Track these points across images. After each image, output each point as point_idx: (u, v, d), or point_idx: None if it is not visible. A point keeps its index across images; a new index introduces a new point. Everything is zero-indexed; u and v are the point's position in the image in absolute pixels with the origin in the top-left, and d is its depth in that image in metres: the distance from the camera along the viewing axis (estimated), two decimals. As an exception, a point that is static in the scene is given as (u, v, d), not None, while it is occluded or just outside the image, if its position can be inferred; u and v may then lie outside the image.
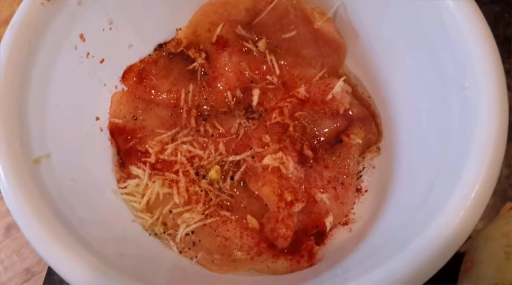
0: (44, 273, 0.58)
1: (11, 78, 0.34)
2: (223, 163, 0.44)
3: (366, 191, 0.44)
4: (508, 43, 0.52)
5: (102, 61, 0.44)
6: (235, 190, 0.43)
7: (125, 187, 0.43)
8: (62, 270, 0.29)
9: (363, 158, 0.46)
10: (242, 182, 0.44)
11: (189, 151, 0.44)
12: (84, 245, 0.30)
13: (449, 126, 0.34)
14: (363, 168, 0.46)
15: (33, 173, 0.32)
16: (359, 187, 0.45)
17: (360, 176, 0.45)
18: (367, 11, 0.43)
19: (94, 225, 0.35)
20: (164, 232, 0.42)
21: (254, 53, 0.48)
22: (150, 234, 0.42)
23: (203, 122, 0.46)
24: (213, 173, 0.43)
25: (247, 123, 0.46)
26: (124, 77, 0.47)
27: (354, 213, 0.43)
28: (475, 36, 0.33)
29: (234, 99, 0.47)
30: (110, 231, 0.38)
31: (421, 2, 0.36)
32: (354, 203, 0.44)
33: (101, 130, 0.45)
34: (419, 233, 0.29)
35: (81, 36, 0.40)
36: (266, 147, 0.43)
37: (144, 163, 0.44)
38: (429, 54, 0.37)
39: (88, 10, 0.40)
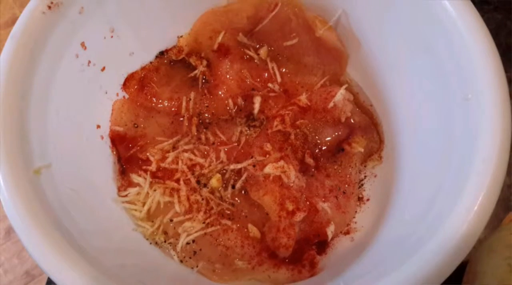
0: (45, 275, 0.57)
1: (12, 87, 0.33)
2: (224, 171, 0.44)
3: (368, 200, 0.44)
4: (510, 52, 0.52)
5: (103, 69, 0.44)
6: (236, 198, 0.43)
7: (126, 196, 0.43)
8: (61, 282, 0.29)
9: (365, 166, 0.46)
10: (243, 191, 0.43)
11: (190, 159, 0.44)
12: (84, 256, 0.30)
13: (452, 136, 0.34)
14: (365, 176, 0.45)
15: (33, 183, 0.32)
16: (360, 196, 0.44)
17: (362, 184, 0.45)
18: (369, 20, 0.43)
19: (94, 235, 0.35)
20: (165, 241, 0.42)
21: (256, 61, 0.48)
22: (150, 243, 0.42)
23: (204, 130, 0.46)
24: (214, 182, 0.43)
25: (248, 131, 0.46)
26: (125, 85, 0.47)
27: (355, 222, 0.43)
28: (477, 46, 0.33)
29: (236, 106, 0.47)
30: (111, 240, 0.38)
31: (423, 11, 0.36)
32: (356, 212, 0.44)
33: (102, 138, 0.45)
34: (423, 244, 0.29)
35: (82, 45, 0.40)
36: (267, 156, 0.43)
37: (145, 171, 0.44)
38: (431, 64, 0.37)
39: (89, 18, 0.40)
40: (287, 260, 0.41)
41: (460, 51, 0.33)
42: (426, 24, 0.36)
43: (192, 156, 0.44)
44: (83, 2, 0.38)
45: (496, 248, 0.33)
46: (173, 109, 0.47)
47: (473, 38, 0.33)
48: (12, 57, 0.34)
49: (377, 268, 0.32)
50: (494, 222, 0.44)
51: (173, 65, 0.49)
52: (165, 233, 0.42)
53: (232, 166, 0.44)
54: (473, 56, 0.33)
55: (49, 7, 0.36)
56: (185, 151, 0.45)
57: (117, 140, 0.45)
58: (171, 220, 0.42)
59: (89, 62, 0.42)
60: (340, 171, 0.44)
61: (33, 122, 0.35)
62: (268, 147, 0.43)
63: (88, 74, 0.42)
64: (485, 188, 0.29)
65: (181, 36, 0.49)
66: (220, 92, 0.47)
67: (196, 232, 0.42)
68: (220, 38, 0.47)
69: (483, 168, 0.30)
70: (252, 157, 0.43)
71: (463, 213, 0.29)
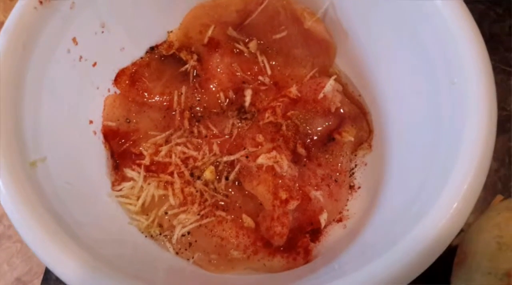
0: (36, 281, 0.57)
1: (6, 82, 0.34)
2: (217, 163, 0.44)
3: (359, 187, 0.45)
4: (493, 41, 0.53)
5: (94, 64, 0.44)
6: (230, 190, 0.44)
7: (120, 190, 0.43)
8: (61, 271, 0.29)
9: (355, 155, 0.46)
10: (237, 182, 0.44)
11: (184, 153, 0.45)
12: (82, 246, 0.30)
13: (440, 122, 0.34)
14: (355, 165, 0.46)
15: (30, 176, 0.32)
16: (352, 184, 0.45)
17: (353, 173, 0.46)
18: (356, 11, 0.44)
19: (91, 227, 0.35)
20: (160, 234, 0.42)
21: (245, 54, 0.49)
22: (146, 236, 0.42)
23: (197, 124, 0.47)
24: (208, 174, 0.43)
25: (240, 123, 0.46)
26: (117, 80, 0.47)
27: (347, 210, 0.44)
28: (462, 32, 0.33)
29: (227, 100, 0.48)
30: (107, 233, 0.38)
31: (408, 0, 0.37)
32: (348, 200, 0.44)
33: (95, 133, 0.45)
34: (412, 226, 0.30)
35: (74, 40, 0.41)
36: (259, 147, 0.44)
37: (139, 165, 0.44)
38: (418, 51, 0.37)
39: (80, 14, 0.40)
40: (281, 248, 0.41)
41: (445, 37, 0.34)
42: (412, 13, 0.37)
43: (185, 149, 0.45)
44: (74, -3, 0.39)
45: (485, 228, 0.34)
46: (165, 103, 0.48)
47: (458, 24, 0.34)
48: (5, 51, 0.34)
49: (369, 251, 0.33)
50: (483, 207, 0.45)
51: (164, 60, 0.49)
52: (160, 225, 0.42)
53: (225, 158, 0.44)
54: (458, 42, 0.33)
55: (41, 2, 0.36)
56: (178, 144, 0.45)
57: (110, 135, 0.46)
58: (166, 213, 0.43)
59: (81, 57, 0.42)
60: (331, 160, 0.45)
61: (27, 116, 0.35)
62: (260, 138, 0.44)
63: (79, 69, 0.42)
64: (473, 170, 0.30)
65: (171, 31, 0.49)
66: (211, 86, 0.48)
67: (191, 224, 0.42)
68: (210, 32, 0.48)
69: (470, 151, 0.30)
70: (244, 149, 0.44)
71: (451, 194, 0.29)
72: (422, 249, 0.28)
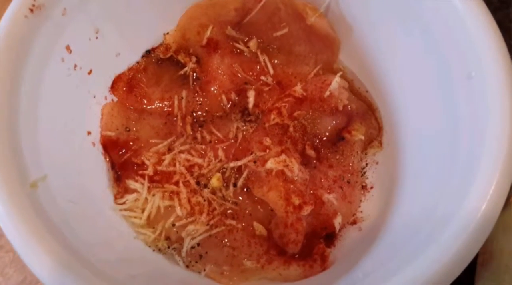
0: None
1: (0, 97, 0.31)
2: (224, 170, 0.43)
3: (371, 187, 0.43)
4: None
5: (90, 72, 0.42)
6: (239, 197, 0.42)
7: (124, 203, 0.41)
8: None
9: (366, 154, 0.45)
10: (245, 188, 0.42)
11: (188, 160, 0.43)
12: (92, 270, 0.29)
13: (458, 117, 0.33)
14: (366, 164, 0.45)
15: (31, 198, 0.30)
16: (364, 184, 0.44)
17: (364, 172, 0.44)
18: (360, 4, 0.42)
19: (98, 247, 0.33)
20: (168, 247, 0.40)
21: (246, 54, 0.47)
22: (154, 250, 0.40)
23: (200, 129, 0.45)
24: (215, 181, 0.42)
25: (244, 126, 0.45)
26: (113, 87, 0.45)
27: (361, 212, 0.42)
28: (475, 20, 0.32)
29: (230, 102, 0.46)
30: (114, 251, 0.36)
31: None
32: (361, 201, 0.43)
33: (94, 144, 0.43)
34: (440, 232, 0.29)
35: (68, 48, 0.38)
36: (267, 150, 0.42)
37: (142, 176, 0.42)
38: (428, 43, 0.36)
39: (73, 20, 0.38)
40: (297, 256, 0.40)
41: (457, 27, 0.33)
42: (419, 3, 0.35)
43: (189, 157, 0.43)
44: (66, 3, 0.36)
45: (509, 226, 0.33)
46: (165, 109, 0.45)
47: (469, 11, 0.32)
48: (-2, 64, 0.32)
49: (394, 259, 0.31)
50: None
51: (161, 63, 0.47)
52: (168, 238, 0.41)
53: (231, 164, 0.42)
54: (472, 32, 0.32)
55: (31, 10, 0.34)
56: (182, 152, 0.43)
57: (109, 146, 0.43)
58: (173, 225, 0.41)
59: (75, 65, 0.40)
60: (342, 160, 0.43)
61: (24, 133, 0.33)
62: (267, 141, 0.42)
63: (75, 78, 0.40)
64: (500, 167, 0.29)
65: (168, 33, 0.47)
66: (212, 89, 0.46)
67: (200, 235, 0.40)
68: (208, 33, 0.46)
69: (496, 148, 0.29)
70: (252, 153, 0.42)
71: (478, 197, 0.28)
72: (453, 256, 0.27)
